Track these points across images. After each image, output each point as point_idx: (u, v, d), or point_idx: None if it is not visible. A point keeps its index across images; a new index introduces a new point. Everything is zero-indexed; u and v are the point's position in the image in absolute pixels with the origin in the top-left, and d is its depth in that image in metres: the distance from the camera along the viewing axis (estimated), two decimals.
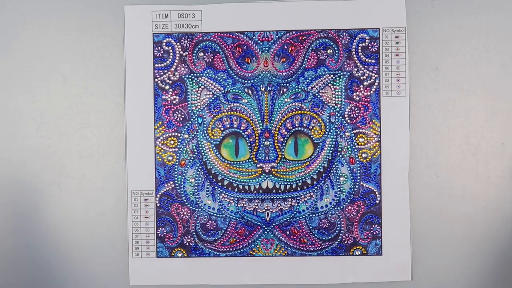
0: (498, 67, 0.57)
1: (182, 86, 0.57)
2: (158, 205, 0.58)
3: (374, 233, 0.57)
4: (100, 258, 0.58)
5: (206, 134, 0.57)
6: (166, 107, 0.57)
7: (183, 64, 0.57)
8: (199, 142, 0.57)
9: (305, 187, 0.57)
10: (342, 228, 0.57)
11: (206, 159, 0.57)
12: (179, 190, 0.57)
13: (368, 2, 0.57)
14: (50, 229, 0.58)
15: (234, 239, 0.58)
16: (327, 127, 0.57)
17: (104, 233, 0.58)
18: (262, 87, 0.57)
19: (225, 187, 0.57)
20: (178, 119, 0.57)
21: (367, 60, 0.57)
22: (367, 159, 0.57)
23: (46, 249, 0.58)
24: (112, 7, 0.58)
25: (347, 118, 0.57)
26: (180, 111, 0.57)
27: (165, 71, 0.57)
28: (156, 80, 0.57)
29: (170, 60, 0.57)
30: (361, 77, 0.57)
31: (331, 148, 0.57)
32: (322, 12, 0.57)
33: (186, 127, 0.57)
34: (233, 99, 0.57)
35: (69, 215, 0.58)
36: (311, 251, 0.57)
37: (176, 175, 0.57)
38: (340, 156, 0.57)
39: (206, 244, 0.58)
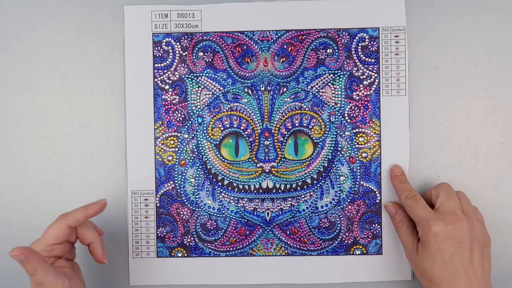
0: (498, 67, 0.57)
1: (182, 86, 0.57)
2: (158, 205, 0.58)
3: (374, 232, 0.57)
4: None
5: (206, 134, 0.57)
6: (166, 107, 0.57)
7: (183, 64, 0.57)
8: (199, 142, 0.57)
9: (305, 187, 0.57)
10: (342, 228, 0.57)
11: (206, 159, 0.57)
12: (179, 190, 0.57)
13: (367, 2, 0.57)
14: None
15: (234, 239, 0.58)
16: (327, 126, 0.57)
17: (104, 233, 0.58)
18: (262, 87, 0.57)
19: (225, 186, 0.57)
20: (178, 119, 0.57)
21: (366, 59, 0.57)
22: (367, 159, 0.57)
23: None
24: (112, 7, 0.58)
25: (347, 118, 0.57)
26: (180, 111, 0.57)
27: (165, 71, 0.57)
28: (156, 80, 0.57)
29: (170, 60, 0.57)
30: (361, 77, 0.57)
31: (331, 148, 0.57)
32: (321, 11, 0.57)
33: (186, 127, 0.57)
34: (233, 99, 0.57)
35: None
36: (311, 251, 0.57)
37: (176, 175, 0.57)
38: (340, 155, 0.57)
39: (206, 244, 0.58)
